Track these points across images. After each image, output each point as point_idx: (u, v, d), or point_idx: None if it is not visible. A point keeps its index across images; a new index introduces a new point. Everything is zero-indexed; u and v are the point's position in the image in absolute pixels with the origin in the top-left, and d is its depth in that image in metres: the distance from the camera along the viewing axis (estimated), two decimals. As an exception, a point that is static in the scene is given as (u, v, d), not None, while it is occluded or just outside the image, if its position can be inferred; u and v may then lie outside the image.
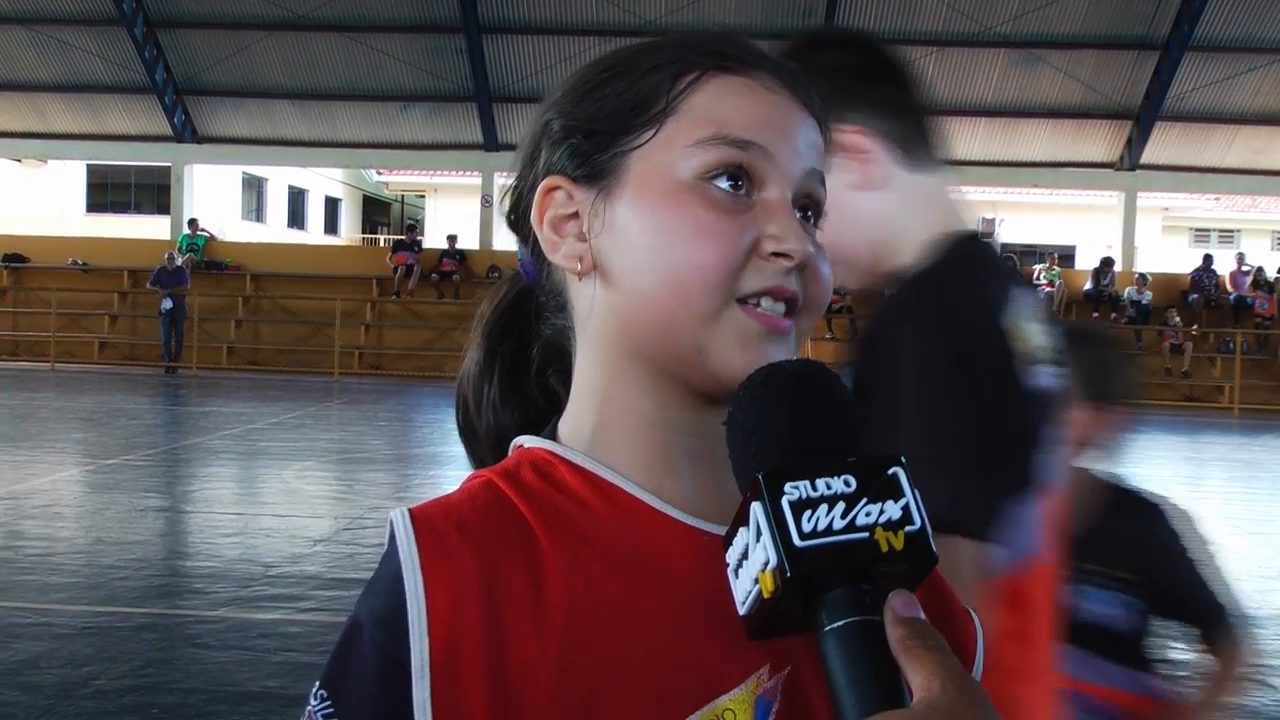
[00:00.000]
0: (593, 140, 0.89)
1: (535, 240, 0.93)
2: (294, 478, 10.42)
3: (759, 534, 0.69)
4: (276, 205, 37.90)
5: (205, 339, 22.80)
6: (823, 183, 0.90)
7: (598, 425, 0.90)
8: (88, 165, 33.77)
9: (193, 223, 24.78)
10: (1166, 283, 23.92)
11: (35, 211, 31.77)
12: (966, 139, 24.10)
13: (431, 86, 23.91)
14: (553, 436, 0.92)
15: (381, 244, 37.69)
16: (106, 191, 35.29)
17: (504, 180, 27.39)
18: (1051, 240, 32.88)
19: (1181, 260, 29.27)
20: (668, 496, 0.87)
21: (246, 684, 4.94)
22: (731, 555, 0.72)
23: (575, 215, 0.90)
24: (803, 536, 0.68)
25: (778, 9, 21.88)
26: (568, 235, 0.90)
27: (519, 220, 0.95)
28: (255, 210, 36.92)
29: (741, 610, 0.72)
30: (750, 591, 0.70)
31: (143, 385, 19.58)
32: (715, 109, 0.87)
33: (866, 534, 0.69)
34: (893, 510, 0.69)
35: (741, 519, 0.71)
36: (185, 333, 22.22)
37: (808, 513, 0.68)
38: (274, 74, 24.09)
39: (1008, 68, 22.98)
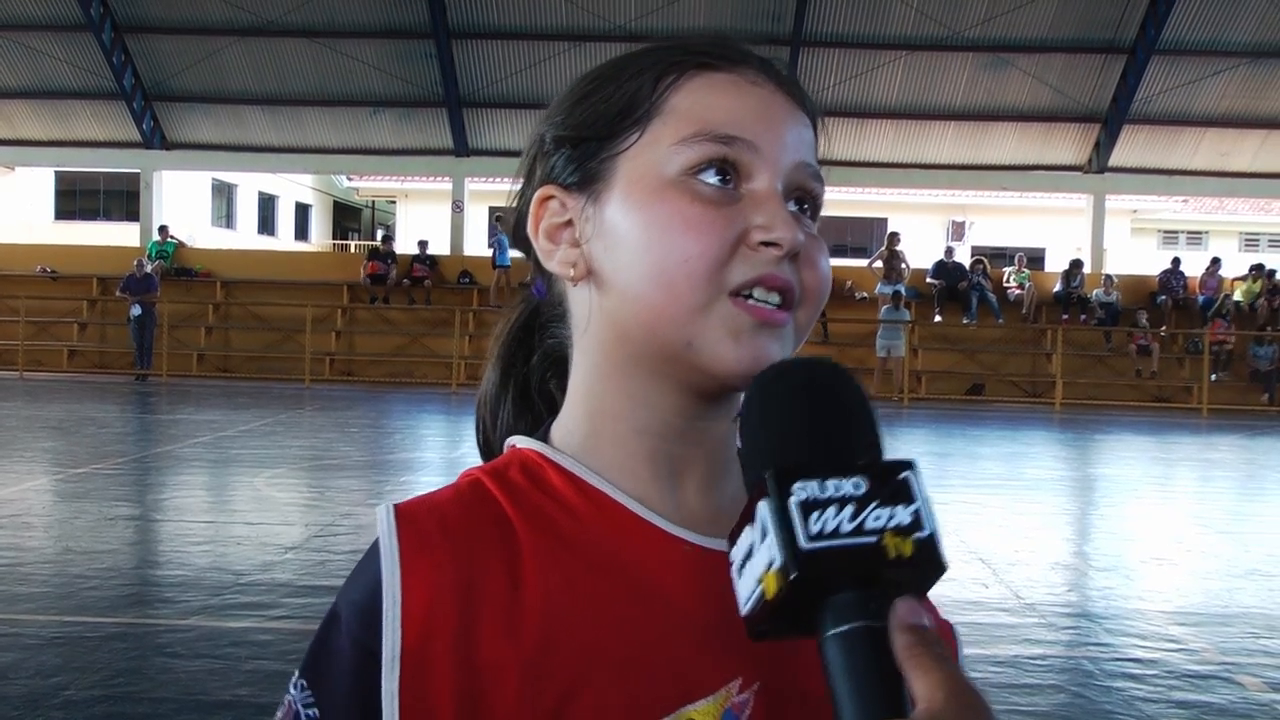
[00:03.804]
0: (582, 148, 0.89)
1: (536, 252, 0.93)
2: (265, 485, 10.35)
3: (765, 534, 0.67)
4: (246, 211, 37.79)
5: (175, 346, 22.64)
6: (818, 177, 0.89)
7: (589, 431, 0.90)
8: (56, 172, 33.62)
9: (162, 229, 24.61)
10: (1135, 284, 24.07)
11: (3, 219, 31.53)
12: (935, 142, 24.24)
13: (401, 92, 23.85)
14: (545, 439, 0.92)
15: (353, 249, 37.62)
16: (75, 198, 35.09)
17: (475, 185, 27.40)
18: (1021, 243, 32.98)
19: (1150, 262, 29.48)
20: (652, 504, 0.87)
21: (217, 693, 4.89)
22: (736, 554, 0.70)
23: (569, 223, 0.90)
24: (810, 538, 0.66)
25: (747, 13, 21.95)
26: (562, 243, 0.90)
27: (522, 236, 0.95)
28: (225, 217, 36.77)
29: (743, 611, 0.69)
30: (753, 592, 0.68)
31: (112, 393, 19.42)
32: (699, 107, 0.86)
33: (875, 538, 0.66)
34: (903, 515, 0.67)
35: (748, 517, 0.69)
36: (155, 340, 22.07)
37: (816, 514, 0.66)
38: (243, 79, 23.97)
39: (976, 71, 23.11)
